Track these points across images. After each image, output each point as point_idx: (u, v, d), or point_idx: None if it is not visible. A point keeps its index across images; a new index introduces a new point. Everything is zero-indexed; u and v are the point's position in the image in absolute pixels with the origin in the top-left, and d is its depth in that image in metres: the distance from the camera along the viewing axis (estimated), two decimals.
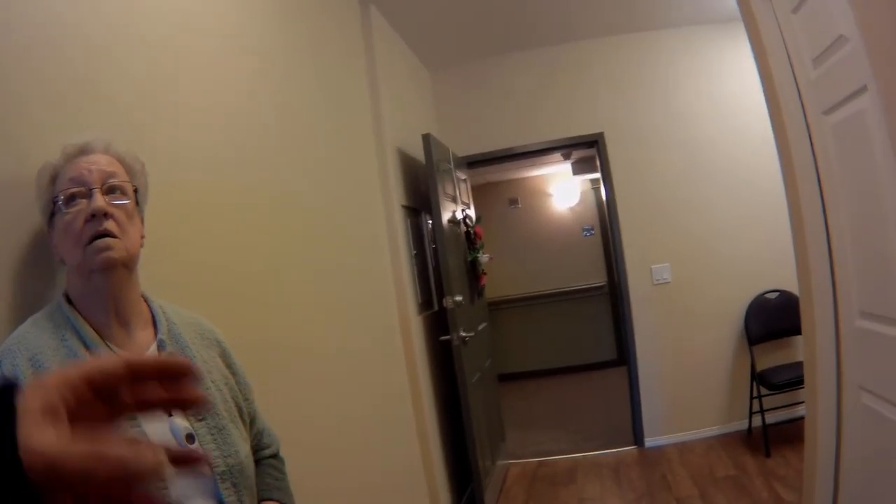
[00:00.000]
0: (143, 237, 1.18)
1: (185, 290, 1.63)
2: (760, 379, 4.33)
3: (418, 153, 4.13)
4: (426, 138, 3.98)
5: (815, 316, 2.35)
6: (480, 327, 4.57)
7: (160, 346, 1.16)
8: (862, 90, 1.83)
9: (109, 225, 1.07)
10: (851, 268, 2.13)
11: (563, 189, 8.42)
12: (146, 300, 1.22)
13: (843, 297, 2.23)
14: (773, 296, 4.63)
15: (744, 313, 4.67)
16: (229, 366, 1.29)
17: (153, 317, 1.20)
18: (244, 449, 1.17)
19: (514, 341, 8.17)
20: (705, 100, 4.84)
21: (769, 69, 2.40)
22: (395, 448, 3.24)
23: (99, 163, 1.11)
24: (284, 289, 2.28)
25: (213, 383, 1.19)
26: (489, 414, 4.43)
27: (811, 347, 2.41)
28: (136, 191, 1.17)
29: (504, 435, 4.93)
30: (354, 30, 3.67)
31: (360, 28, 3.73)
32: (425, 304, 4.08)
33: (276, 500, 1.30)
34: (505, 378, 6.87)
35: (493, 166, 5.74)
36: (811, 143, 2.29)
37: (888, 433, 1.89)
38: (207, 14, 2.06)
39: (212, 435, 1.12)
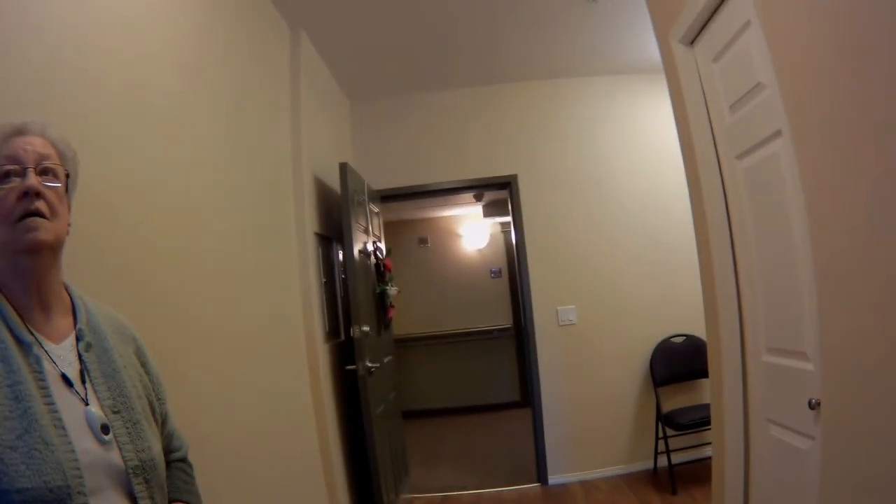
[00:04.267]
0: (69, 224, 1.17)
1: None
2: (666, 420, 4.42)
3: (334, 182, 4.08)
4: (343, 167, 3.93)
5: (722, 354, 2.42)
6: (386, 360, 4.49)
7: (79, 336, 1.15)
8: (776, 135, 1.92)
9: (41, 205, 1.08)
10: (760, 305, 2.21)
11: (472, 230, 8.51)
12: (67, 289, 1.21)
13: (749, 334, 2.31)
14: (678, 340, 4.77)
15: (649, 356, 4.78)
16: (143, 364, 1.29)
17: (73, 305, 1.20)
18: (156, 446, 1.18)
19: (419, 379, 8.09)
20: (622, 146, 5.01)
21: (685, 114, 2.51)
22: (298, 477, 3.12)
23: (34, 144, 1.13)
24: (185, 302, 2.17)
25: (129, 378, 1.19)
26: (393, 447, 4.34)
27: (718, 383, 2.48)
28: (67, 176, 1.17)
29: (408, 469, 4.82)
30: (283, 53, 3.64)
31: (288, 52, 3.71)
32: (332, 332, 4.00)
33: (186, 502, 1.29)
34: (410, 415, 6.75)
35: (405, 203, 5.73)
36: (723, 187, 2.39)
37: (796, 462, 1.95)
38: (128, 26, 1.97)
39: (126, 428, 1.12)
